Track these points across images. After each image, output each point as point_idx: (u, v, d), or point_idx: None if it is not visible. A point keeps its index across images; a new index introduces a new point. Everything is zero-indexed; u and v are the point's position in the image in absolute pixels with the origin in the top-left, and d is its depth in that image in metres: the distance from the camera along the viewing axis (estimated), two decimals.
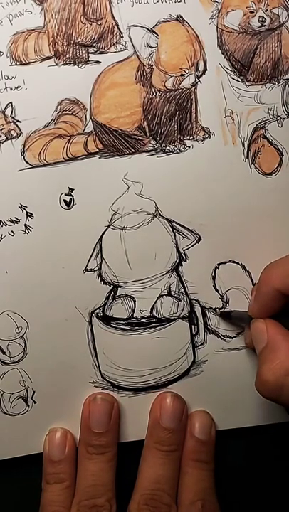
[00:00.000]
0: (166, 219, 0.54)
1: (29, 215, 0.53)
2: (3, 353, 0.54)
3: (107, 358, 0.54)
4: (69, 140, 0.53)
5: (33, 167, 0.53)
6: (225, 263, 0.55)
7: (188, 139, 0.54)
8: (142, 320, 0.54)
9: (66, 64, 0.53)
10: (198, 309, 0.55)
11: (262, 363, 0.47)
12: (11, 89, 0.52)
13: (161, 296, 0.54)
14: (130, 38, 0.53)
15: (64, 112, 0.53)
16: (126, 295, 0.54)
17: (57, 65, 0.53)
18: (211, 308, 0.55)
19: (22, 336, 0.54)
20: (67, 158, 0.53)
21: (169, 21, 0.53)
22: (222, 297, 0.55)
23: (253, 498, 0.56)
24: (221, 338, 0.55)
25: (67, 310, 0.54)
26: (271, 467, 0.56)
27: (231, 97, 0.54)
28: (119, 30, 0.53)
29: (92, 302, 0.54)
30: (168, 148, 0.54)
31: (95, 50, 0.53)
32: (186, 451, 0.53)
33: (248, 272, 0.55)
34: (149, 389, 0.54)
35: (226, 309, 0.54)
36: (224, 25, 0.53)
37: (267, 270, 0.50)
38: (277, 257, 0.51)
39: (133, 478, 0.53)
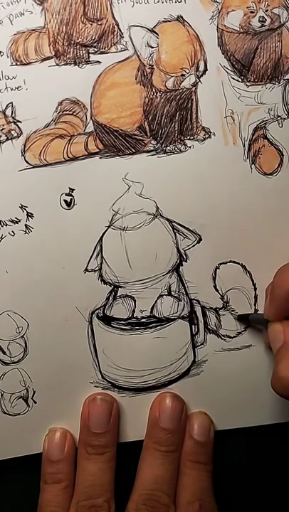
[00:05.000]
0: (167, 219, 0.54)
1: (29, 215, 0.53)
2: (4, 353, 0.54)
3: (108, 358, 0.54)
4: (69, 140, 0.53)
5: (34, 167, 0.53)
6: (225, 263, 0.55)
7: (189, 139, 0.54)
8: (142, 320, 0.54)
9: (67, 64, 0.53)
10: (198, 309, 0.55)
11: (279, 360, 0.47)
12: (12, 89, 0.52)
13: (161, 296, 0.54)
14: (131, 38, 0.53)
15: (64, 112, 0.53)
16: (126, 295, 0.54)
17: (57, 65, 0.53)
18: (211, 308, 0.55)
19: (22, 336, 0.54)
20: (67, 159, 0.53)
21: (169, 21, 0.53)
22: (222, 297, 0.55)
23: (253, 498, 0.56)
24: (221, 338, 0.55)
25: (68, 310, 0.54)
26: (271, 467, 0.56)
27: (232, 97, 0.54)
28: (120, 30, 0.53)
29: (92, 302, 0.54)
30: (168, 148, 0.54)
31: (96, 50, 0.53)
32: (185, 452, 0.53)
33: (249, 272, 0.54)
34: (150, 389, 0.54)
35: (243, 313, 0.54)
36: (224, 26, 0.53)
37: (280, 273, 0.49)
38: (278, 258, 0.51)
39: (132, 479, 0.53)
